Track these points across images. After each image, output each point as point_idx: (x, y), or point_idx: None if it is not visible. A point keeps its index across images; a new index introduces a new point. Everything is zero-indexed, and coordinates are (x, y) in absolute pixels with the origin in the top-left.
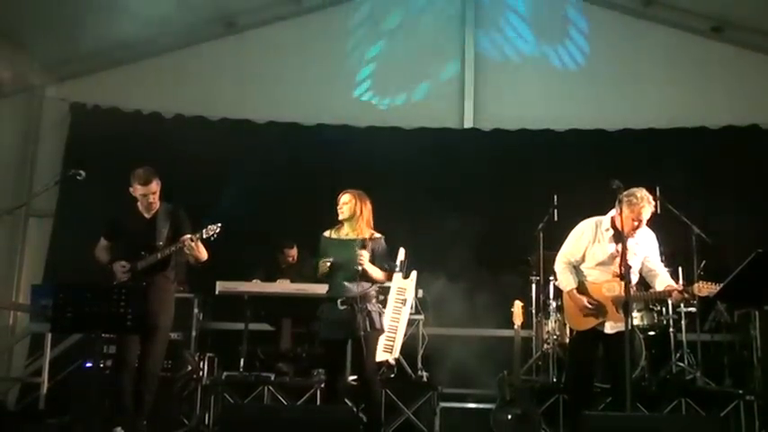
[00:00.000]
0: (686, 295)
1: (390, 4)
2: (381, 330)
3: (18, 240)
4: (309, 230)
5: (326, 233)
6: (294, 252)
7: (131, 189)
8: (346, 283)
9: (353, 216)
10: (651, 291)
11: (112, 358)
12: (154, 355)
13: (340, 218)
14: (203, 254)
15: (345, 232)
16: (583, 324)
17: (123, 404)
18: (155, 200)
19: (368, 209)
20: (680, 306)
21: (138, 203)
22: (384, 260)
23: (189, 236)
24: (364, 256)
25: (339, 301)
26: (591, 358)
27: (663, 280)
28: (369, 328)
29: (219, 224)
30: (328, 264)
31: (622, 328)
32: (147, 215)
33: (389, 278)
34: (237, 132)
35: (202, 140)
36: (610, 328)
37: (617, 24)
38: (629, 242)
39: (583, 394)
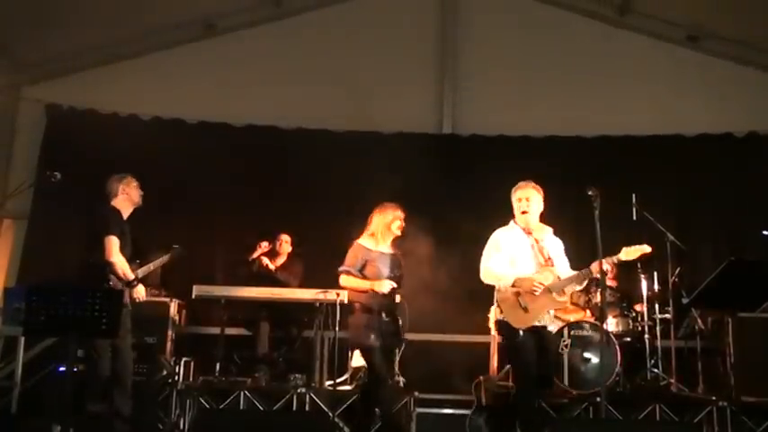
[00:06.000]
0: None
1: (370, 9)
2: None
3: None
4: (287, 232)
5: (363, 242)
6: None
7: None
8: (393, 298)
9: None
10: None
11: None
12: None
13: (396, 233)
14: None
15: (384, 246)
16: (525, 321)
17: None
18: None
19: None
20: (655, 312)
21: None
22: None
23: None
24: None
25: (384, 314)
26: (535, 359)
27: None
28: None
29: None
30: (392, 287)
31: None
32: None
33: None
34: (215, 135)
35: (180, 143)
36: (550, 322)
37: (594, 33)
38: (544, 241)
39: (534, 396)
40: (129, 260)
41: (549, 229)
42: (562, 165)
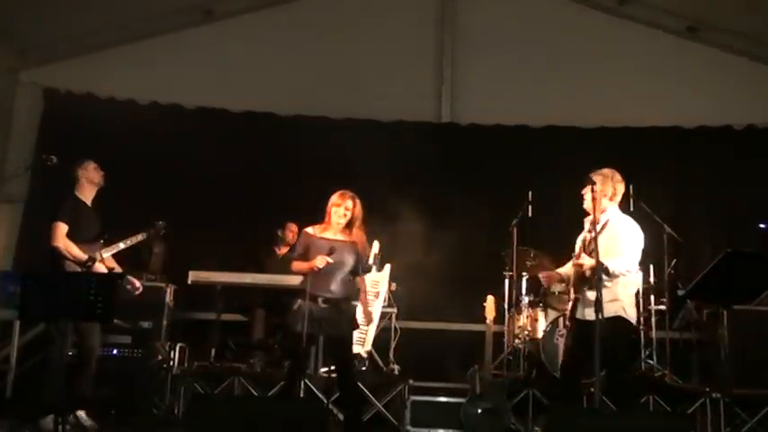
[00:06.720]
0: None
1: None
2: (357, 326)
3: None
4: (284, 220)
5: (311, 230)
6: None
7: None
8: (332, 285)
9: (352, 221)
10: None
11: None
12: None
13: (338, 221)
14: None
15: (334, 232)
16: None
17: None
18: None
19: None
20: (650, 303)
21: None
22: (362, 265)
23: None
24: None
25: (321, 300)
26: (576, 346)
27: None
28: (349, 327)
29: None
30: (326, 262)
31: (590, 317)
32: None
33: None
34: (213, 121)
35: (178, 129)
36: (579, 314)
37: (593, 22)
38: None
39: (566, 382)
40: (94, 240)
41: (609, 214)
42: (560, 155)
